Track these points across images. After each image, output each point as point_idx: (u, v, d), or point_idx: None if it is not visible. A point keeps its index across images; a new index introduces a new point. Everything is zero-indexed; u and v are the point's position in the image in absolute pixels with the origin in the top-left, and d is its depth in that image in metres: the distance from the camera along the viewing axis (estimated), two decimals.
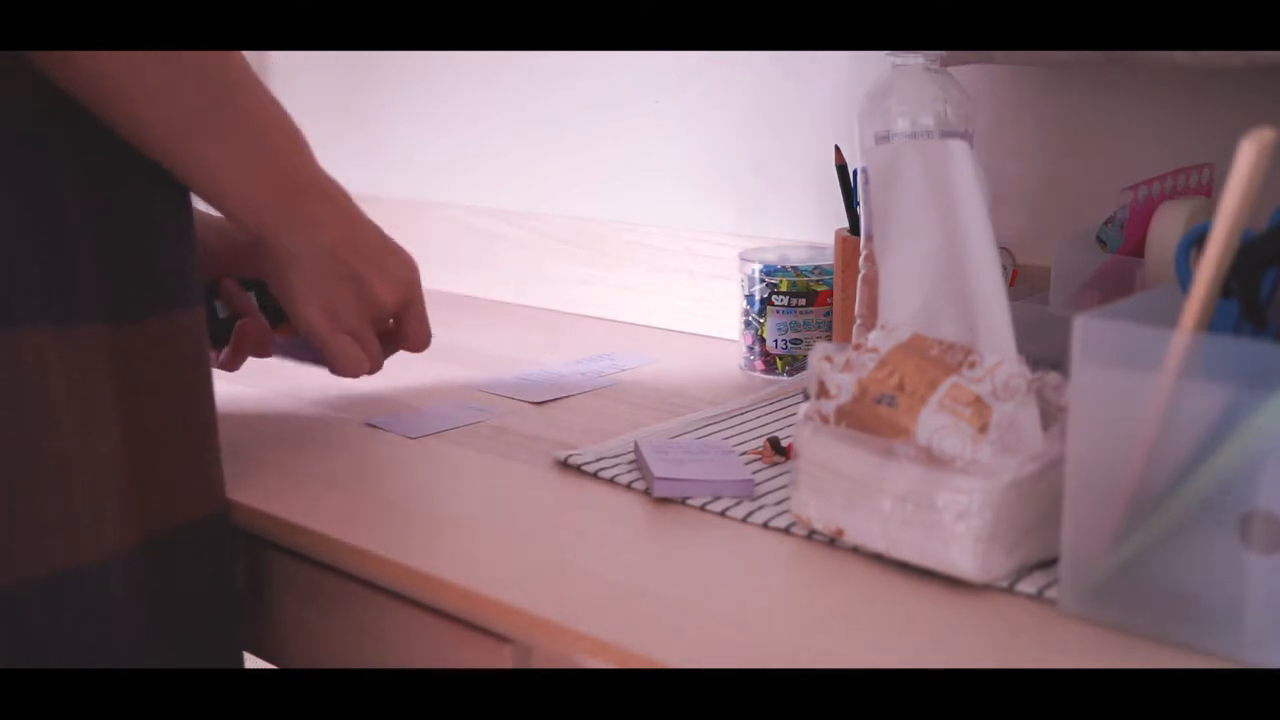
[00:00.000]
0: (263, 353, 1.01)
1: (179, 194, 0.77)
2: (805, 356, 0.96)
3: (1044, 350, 0.70)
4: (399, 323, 0.92)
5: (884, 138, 0.88)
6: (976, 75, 1.01)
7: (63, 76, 0.68)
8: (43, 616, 0.70)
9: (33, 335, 0.69)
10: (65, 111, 0.70)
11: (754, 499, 0.78)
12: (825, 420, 0.71)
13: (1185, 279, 0.70)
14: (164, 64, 0.70)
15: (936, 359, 0.70)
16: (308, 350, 0.97)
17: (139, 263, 0.74)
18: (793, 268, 1.05)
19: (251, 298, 1.00)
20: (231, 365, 0.98)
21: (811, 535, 0.73)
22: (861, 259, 0.93)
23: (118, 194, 0.73)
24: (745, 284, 1.07)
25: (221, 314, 0.99)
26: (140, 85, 0.69)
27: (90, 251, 0.72)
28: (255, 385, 1.04)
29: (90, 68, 0.68)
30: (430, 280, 1.47)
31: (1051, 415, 0.68)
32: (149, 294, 0.75)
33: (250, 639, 0.84)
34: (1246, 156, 0.58)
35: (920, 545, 0.66)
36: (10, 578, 0.69)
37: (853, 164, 1.01)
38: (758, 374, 1.07)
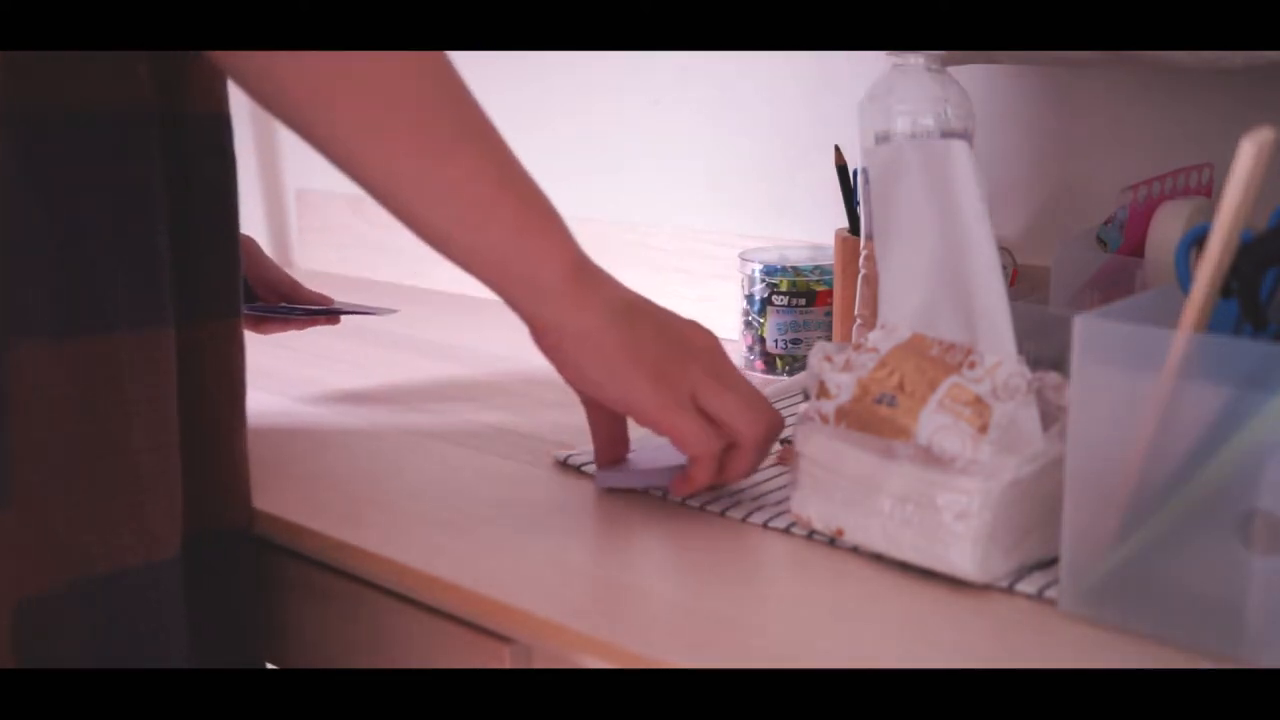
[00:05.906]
0: None
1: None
2: (805, 356, 0.96)
3: (1044, 350, 0.70)
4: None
5: (884, 138, 0.88)
6: (976, 75, 1.01)
7: (256, 88, 0.69)
8: (104, 614, 0.69)
9: (119, 339, 0.69)
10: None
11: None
12: (825, 420, 0.71)
13: (1185, 279, 0.70)
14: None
15: (936, 359, 0.70)
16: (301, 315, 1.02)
17: (184, 271, 0.74)
18: (793, 268, 1.05)
19: None
20: None
21: (811, 535, 0.73)
22: (861, 259, 0.93)
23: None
24: (745, 284, 1.07)
25: None
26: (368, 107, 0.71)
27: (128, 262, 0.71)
28: (254, 387, 1.04)
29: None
30: (430, 280, 1.49)
31: (1051, 415, 0.68)
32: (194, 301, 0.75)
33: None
34: (1246, 156, 0.58)
35: (920, 545, 0.66)
36: (75, 573, 0.69)
37: (853, 164, 1.01)
38: (758, 374, 1.07)
